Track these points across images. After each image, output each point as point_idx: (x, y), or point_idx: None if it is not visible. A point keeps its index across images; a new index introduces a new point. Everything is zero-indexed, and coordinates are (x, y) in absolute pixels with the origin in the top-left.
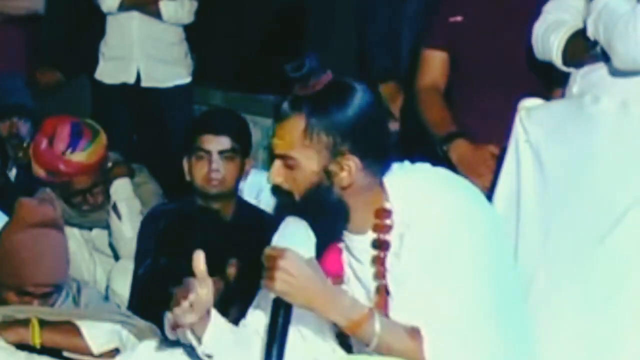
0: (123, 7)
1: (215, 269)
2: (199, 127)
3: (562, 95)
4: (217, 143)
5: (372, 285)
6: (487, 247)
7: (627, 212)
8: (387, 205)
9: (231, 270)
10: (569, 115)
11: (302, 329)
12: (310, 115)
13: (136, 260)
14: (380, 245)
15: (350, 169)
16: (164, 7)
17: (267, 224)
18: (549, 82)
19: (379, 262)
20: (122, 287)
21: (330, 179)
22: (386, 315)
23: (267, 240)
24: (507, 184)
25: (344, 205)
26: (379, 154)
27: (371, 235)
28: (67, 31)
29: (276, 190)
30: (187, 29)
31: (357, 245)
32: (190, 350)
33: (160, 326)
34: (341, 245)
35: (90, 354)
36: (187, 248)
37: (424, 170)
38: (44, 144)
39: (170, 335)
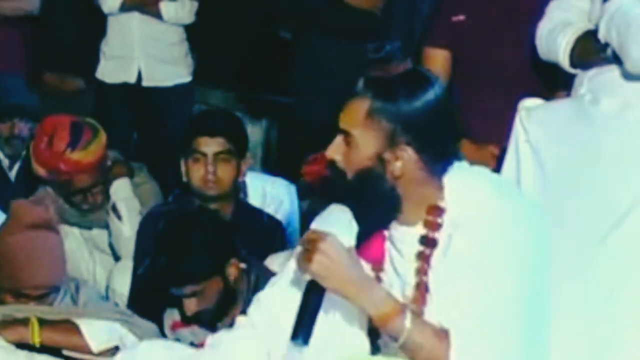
0: (124, 8)
1: (215, 269)
2: (194, 129)
3: (568, 97)
4: (212, 145)
5: (412, 280)
6: (529, 261)
7: (629, 212)
8: (442, 204)
9: (231, 270)
10: (569, 115)
11: (335, 313)
12: (376, 99)
13: (135, 260)
14: (428, 242)
15: (404, 160)
16: (165, 8)
17: (267, 223)
18: (551, 83)
19: (423, 259)
20: (123, 287)
21: (383, 167)
22: (422, 312)
23: (267, 240)
24: None
25: (396, 195)
26: (439, 152)
27: (419, 230)
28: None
29: (330, 166)
30: (187, 28)
31: (402, 236)
32: (189, 349)
33: (160, 325)
34: (386, 232)
35: (90, 353)
36: (187, 248)
37: (482, 174)
38: (44, 142)
39: (170, 334)
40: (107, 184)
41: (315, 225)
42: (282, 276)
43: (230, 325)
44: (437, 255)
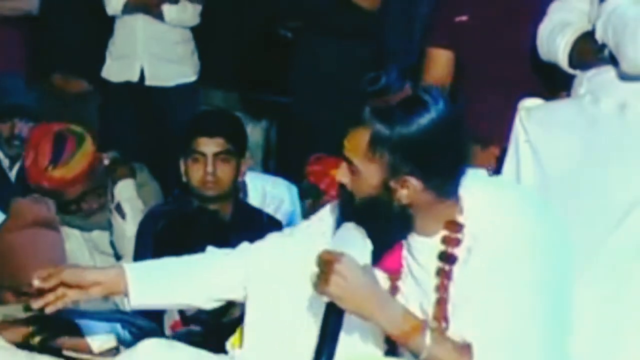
0: (127, 10)
1: None
2: (193, 129)
3: (568, 97)
4: (211, 145)
5: (432, 296)
6: (550, 273)
7: (629, 212)
8: (460, 219)
9: None
10: (569, 115)
11: (352, 332)
12: (376, 131)
13: (135, 260)
14: (448, 258)
15: (409, 190)
16: (167, 10)
17: (266, 223)
18: (552, 83)
19: (443, 275)
20: None
21: (390, 195)
22: (445, 328)
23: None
24: None
25: (407, 216)
26: (446, 176)
27: (438, 243)
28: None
29: (340, 189)
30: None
31: (420, 246)
32: (190, 348)
33: (160, 325)
34: (403, 241)
35: (90, 353)
36: (186, 248)
37: (502, 185)
38: (30, 158)
39: (170, 334)
40: (104, 187)
41: (330, 244)
42: (298, 230)
43: (230, 324)
44: (457, 269)
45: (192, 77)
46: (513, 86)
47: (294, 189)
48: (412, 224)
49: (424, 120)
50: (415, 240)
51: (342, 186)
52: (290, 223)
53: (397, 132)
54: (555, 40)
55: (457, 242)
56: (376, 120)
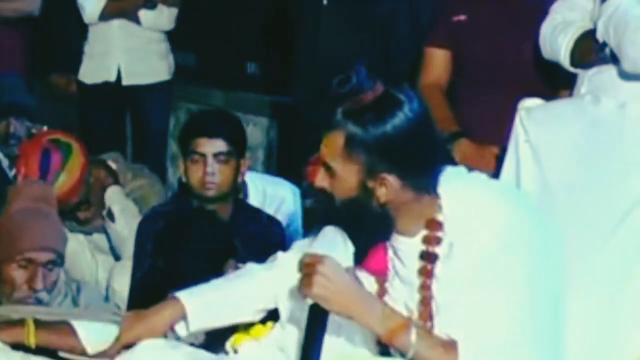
0: (103, 18)
1: (213, 269)
2: (193, 130)
3: (570, 96)
4: (211, 146)
5: (417, 295)
6: (536, 268)
7: (629, 212)
8: (439, 217)
9: (229, 271)
10: (569, 115)
11: (341, 334)
12: (349, 133)
13: (134, 261)
14: (429, 257)
15: (387, 188)
16: (143, 15)
17: (266, 223)
18: (553, 83)
19: (425, 274)
20: (123, 286)
21: (368, 194)
22: (431, 327)
23: (266, 240)
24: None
25: (387, 215)
26: (423, 172)
27: (419, 242)
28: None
29: (321, 192)
30: (188, 28)
31: (403, 246)
32: (190, 348)
33: None
34: (387, 242)
35: (86, 354)
36: (185, 249)
37: (481, 181)
38: (21, 175)
39: (170, 335)
40: (99, 194)
41: (311, 248)
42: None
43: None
44: (440, 267)
45: (167, 76)
46: (513, 86)
47: (296, 189)
48: (393, 224)
49: (398, 119)
50: (398, 241)
51: (322, 190)
52: (291, 223)
53: (372, 133)
54: (557, 38)
55: (437, 241)
56: (349, 121)
